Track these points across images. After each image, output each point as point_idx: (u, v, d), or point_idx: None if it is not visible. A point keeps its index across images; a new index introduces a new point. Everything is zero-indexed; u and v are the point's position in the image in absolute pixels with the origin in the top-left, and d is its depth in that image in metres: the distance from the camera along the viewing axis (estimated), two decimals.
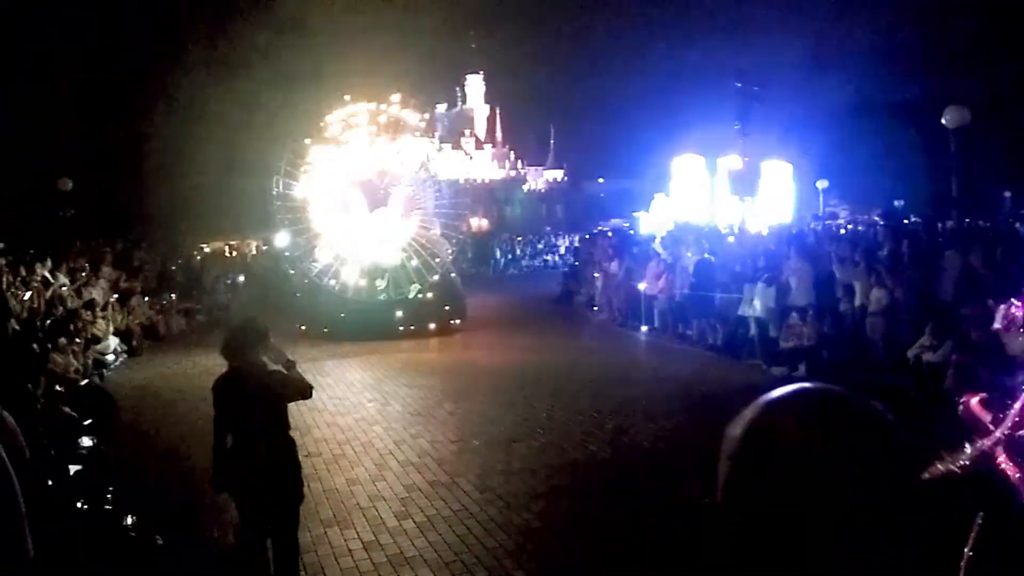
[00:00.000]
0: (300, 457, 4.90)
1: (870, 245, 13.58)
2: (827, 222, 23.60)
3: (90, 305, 13.52)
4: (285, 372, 4.79)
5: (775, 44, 26.43)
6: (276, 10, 24.06)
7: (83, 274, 14.91)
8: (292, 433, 4.85)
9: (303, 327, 16.17)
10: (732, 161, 29.92)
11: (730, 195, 31.16)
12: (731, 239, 17.43)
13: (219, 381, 4.70)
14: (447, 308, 16.64)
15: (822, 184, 29.34)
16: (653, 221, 30.23)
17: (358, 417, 9.91)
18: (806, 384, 1.16)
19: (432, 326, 16.23)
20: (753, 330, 12.82)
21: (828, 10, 27.01)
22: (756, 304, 12.48)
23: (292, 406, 4.79)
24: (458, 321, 16.75)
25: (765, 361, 12.05)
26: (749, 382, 10.77)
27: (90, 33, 21.12)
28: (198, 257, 20.78)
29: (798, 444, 1.06)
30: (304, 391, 4.78)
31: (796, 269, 12.40)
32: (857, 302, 11.64)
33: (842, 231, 21.31)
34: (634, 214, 30.66)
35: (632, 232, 28.49)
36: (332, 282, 16.25)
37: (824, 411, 1.09)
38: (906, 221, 20.91)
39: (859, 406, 1.10)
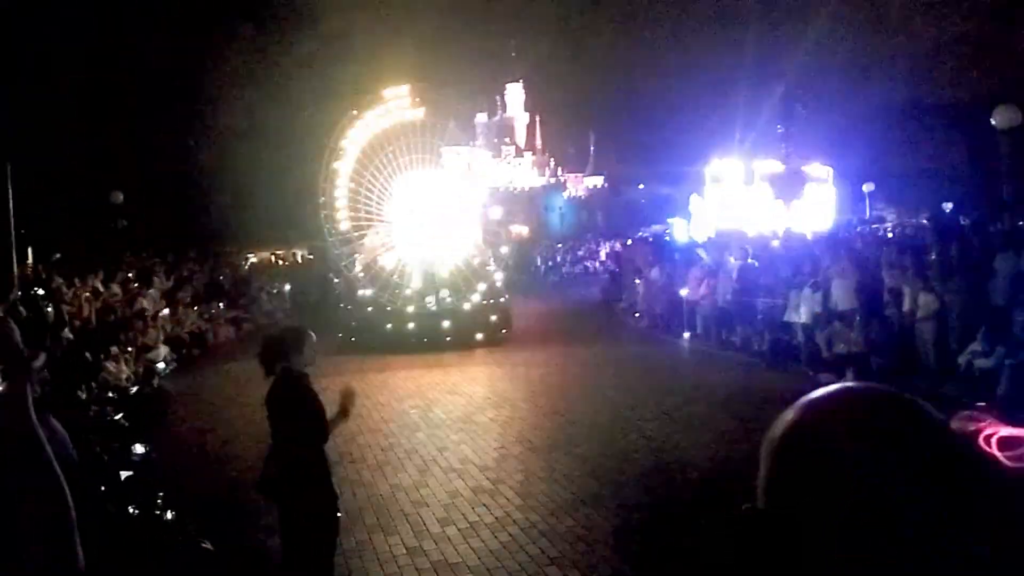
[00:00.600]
0: (337, 467, 4.84)
1: (918, 249, 13.31)
2: (873, 226, 23.15)
3: (141, 314, 13.85)
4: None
5: (819, 45, 26.01)
6: (319, 23, 24.38)
7: (134, 284, 15.29)
8: (336, 439, 4.88)
9: (350, 337, 16.14)
10: (771, 165, 29.62)
11: (772, 199, 30.84)
12: (775, 244, 17.21)
13: (268, 391, 4.76)
14: (494, 318, 16.46)
15: (868, 187, 28.82)
16: (689, 226, 30.11)
17: (401, 424, 9.99)
18: (850, 383, 1.11)
19: (479, 336, 16.01)
20: (799, 336, 12.64)
21: (873, 10, 26.54)
22: (802, 310, 12.29)
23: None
24: (504, 331, 16.56)
25: (811, 368, 11.85)
26: (795, 389, 10.45)
27: (142, 54, 21.63)
28: (245, 267, 21.18)
29: (842, 444, 1.02)
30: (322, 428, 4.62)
31: (842, 274, 12.20)
32: (906, 307, 11.41)
33: (889, 235, 20.90)
34: (669, 220, 30.48)
35: (672, 238, 28.34)
36: (378, 291, 16.14)
37: (870, 410, 1.05)
38: (957, 223, 20.44)
39: (907, 404, 1.05)
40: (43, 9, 19.81)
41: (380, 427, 9.81)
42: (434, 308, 16.03)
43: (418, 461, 8.26)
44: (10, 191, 8.37)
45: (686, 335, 15.95)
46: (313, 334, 4.89)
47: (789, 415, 1.08)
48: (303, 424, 4.57)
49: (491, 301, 16.51)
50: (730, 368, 12.96)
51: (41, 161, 17.04)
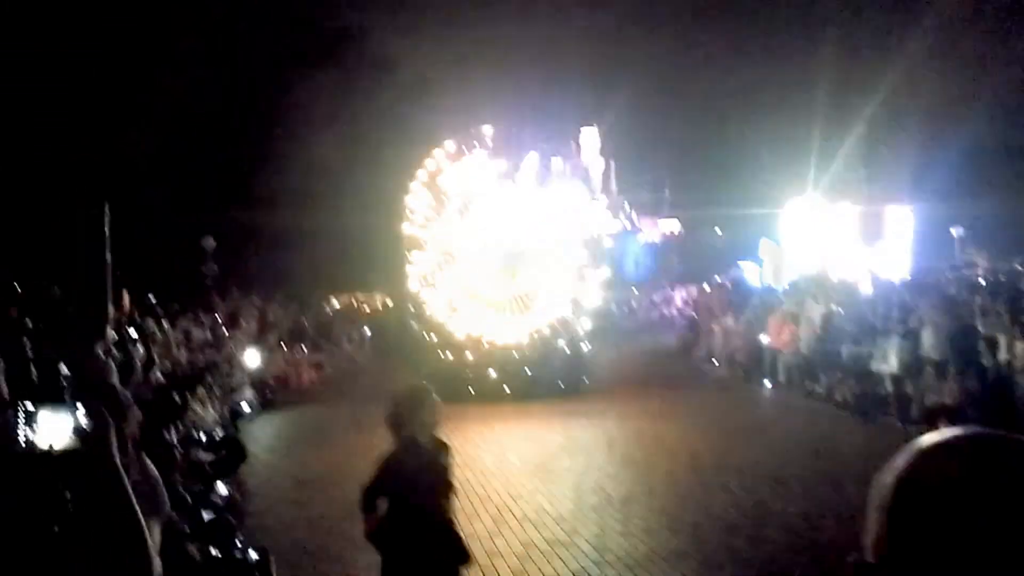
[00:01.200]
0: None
1: (1014, 295, 12.70)
2: (964, 271, 22.21)
3: (228, 358, 14.30)
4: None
5: (904, 84, 25.38)
6: (398, 70, 25.02)
7: (223, 327, 15.82)
8: None
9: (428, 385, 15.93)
10: (851, 207, 28.98)
11: (853, 242, 29.96)
12: (862, 288, 16.66)
13: (389, 458, 4.58)
14: (575, 366, 15.88)
15: (957, 231, 27.74)
16: (761, 270, 29.51)
17: (476, 470, 9.96)
18: (961, 429, 1.06)
19: (561, 385, 15.43)
20: (888, 387, 12.15)
21: (961, 47, 25.80)
22: (892, 359, 11.82)
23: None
24: (585, 379, 15.95)
25: (901, 420, 11.35)
26: (884, 442, 10.17)
27: (228, 101, 22.59)
28: (328, 311, 21.69)
29: (961, 491, 0.97)
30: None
31: (934, 321, 11.72)
32: (1002, 357, 10.86)
33: (981, 280, 20.01)
34: (740, 263, 29.86)
35: (751, 283, 27.76)
36: (458, 338, 15.57)
37: (988, 454, 1.00)
38: None
39: None
40: (143, 54, 20.91)
41: (455, 472, 9.79)
42: (516, 356, 15.47)
43: (492, 509, 8.21)
44: (107, 232, 8.79)
45: (767, 383, 15.52)
46: (436, 397, 4.80)
47: (900, 461, 1.04)
48: (423, 496, 4.51)
49: (573, 349, 16.00)
50: (814, 419, 12.54)
51: (138, 204, 17.91)
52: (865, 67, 27.23)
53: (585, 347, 16.28)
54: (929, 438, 1.06)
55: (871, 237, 29.54)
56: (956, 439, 1.04)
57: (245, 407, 13.69)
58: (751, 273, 29.26)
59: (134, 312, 14.77)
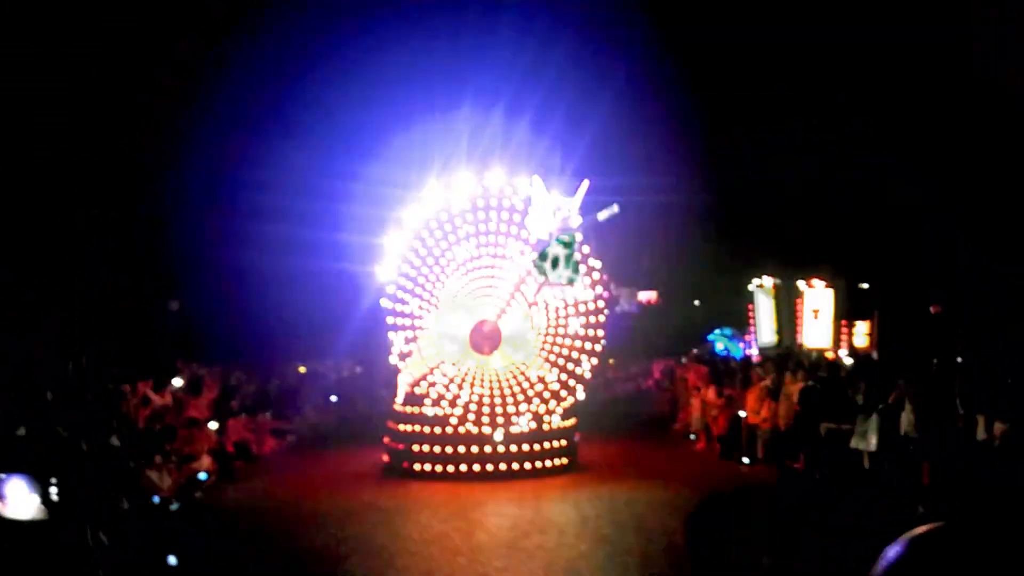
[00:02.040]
0: None
1: (990, 375, 12.60)
2: (942, 347, 22.23)
3: (188, 423, 13.76)
4: None
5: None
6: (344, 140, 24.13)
7: (183, 392, 15.30)
8: (373, 560, 4.52)
9: (399, 461, 14.32)
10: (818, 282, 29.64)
11: (828, 317, 30.16)
12: (843, 362, 16.50)
13: None
14: (559, 444, 14.52)
15: (935, 308, 27.95)
16: (729, 343, 29.62)
17: (442, 547, 9.50)
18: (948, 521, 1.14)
19: (549, 464, 14.14)
20: (867, 464, 11.88)
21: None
22: (871, 437, 11.58)
23: (368, 530, 4.46)
24: (567, 461, 14.63)
25: (882, 498, 11.05)
26: (864, 519, 9.86)
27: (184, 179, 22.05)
28: (294, 377, 21.18)
29: None
30: None
31: (912, 399, 11.54)
32: (980, 436, 10.68)
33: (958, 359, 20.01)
34: (708, 337, 29.82)
35: (730, 356, 27.64)
36: (431, 408, 14.12)
37: (975, 547, 1.06)
38: None
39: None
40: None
41: (420, 549, 9.33)
42: (499, 437, 13.98)
43: None
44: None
45: (746, 460, 15.19)
46: None
47: (890, 553, 1.11)
48: None
49: (560, 426, 14.66)
50: (793, 496, 12.22)
51: (100, 268, 17.57)
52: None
53: (570, 423, 14.98)
54: (918, 530, 1.13)
55: (846, 312, 29.80)
56: (943, 532, 1.10)
57: (203, 475, 13.11)
58: (720, 346, 29.28)
59: (95, 375, 14.31)
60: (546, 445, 14.32)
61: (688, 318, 31.49)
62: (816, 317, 29.55)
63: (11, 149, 17.90)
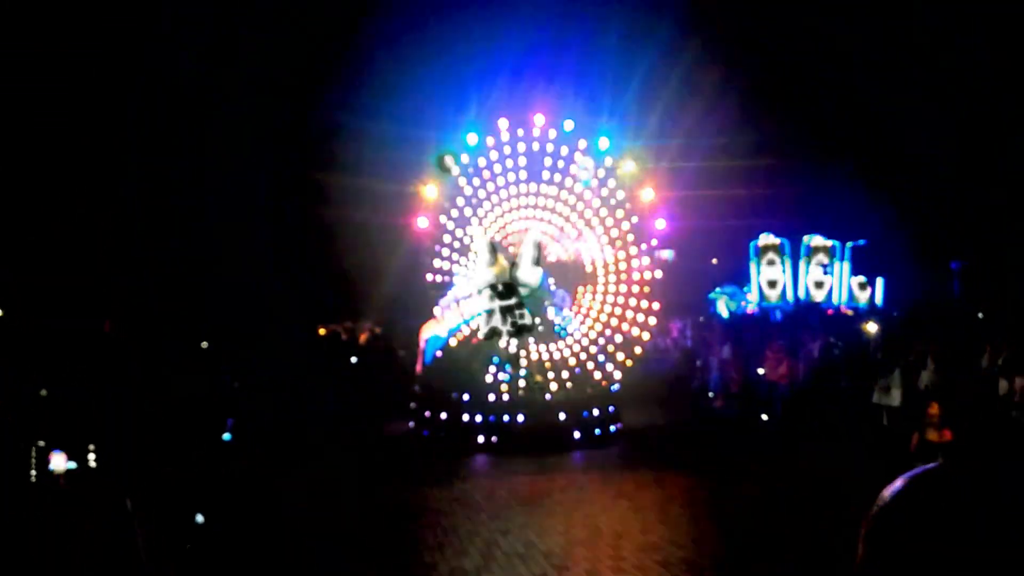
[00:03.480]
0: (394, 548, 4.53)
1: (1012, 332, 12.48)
2: (965, 305, 22.08)
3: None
4: None
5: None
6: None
7: None
8: (396, 517, 4.60)
9: (423, 430, 13.60)
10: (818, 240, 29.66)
11: (850, 275, 30.10)
12: (869, 325, 16.39)
13: None
14: (597, 412, 13.50)
15: (957, 265, 27.69)
16: (730, 301, 29.63)
17: (464, 503, 9.65)
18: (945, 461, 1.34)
19: (598, 432, 13.26)
20: (885, 420, 11.87)
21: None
22: (893, 393, 11.53)
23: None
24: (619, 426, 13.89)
25: (901, 454, 11.05)
26: (886, 475, 9.89)
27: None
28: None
29: (919, 521, 1.16)
30: None
31: (934, 356, 11.47)
32: (1001, 391, 10.62)
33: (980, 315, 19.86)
34: (710, 295, 29.70)
35: (750, 312, 27.58)
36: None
37: (968, 486, 1.21)
38: None
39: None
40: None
41: (442, 507, 9.48)
42: (550, 396, 13.00)
43: (480, 544, 7.89)
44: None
45: (764, 417, 15.23)
46: None
47: (883, 496, 1.23)
48: None
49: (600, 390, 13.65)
50: (812, 451, 12.27)
51: None
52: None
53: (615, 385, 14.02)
54: (913, 471, 1.29)
55: (866, 270, 29.68)
56: (919, 476, 1.25)
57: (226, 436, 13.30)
58: (721, 305, 29.29)
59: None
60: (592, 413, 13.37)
61: (705, 275, 31.32)
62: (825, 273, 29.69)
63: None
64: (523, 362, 13.28)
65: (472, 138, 13.96)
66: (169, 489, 9.34)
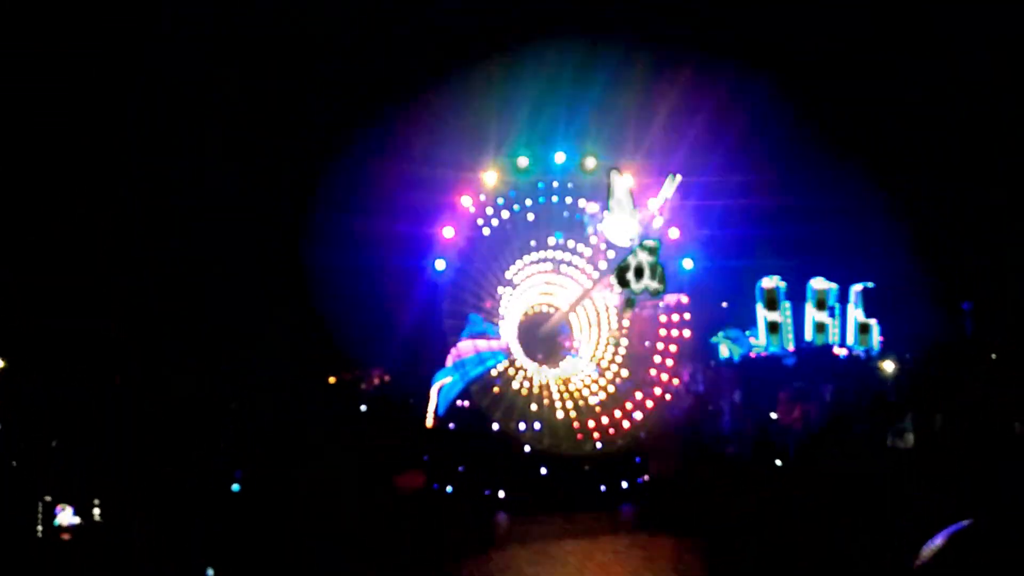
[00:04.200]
0: None
1: None
2: (977, 346, 21.89)
3: None
4: None
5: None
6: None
7: None
8: None
9: (436, 484, 12.81)
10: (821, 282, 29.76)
11: (863, 317, 29.99)
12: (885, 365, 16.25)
13: None
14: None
15: (968, 306, 27.54)
16: (733, 346, 29.50)
17: None
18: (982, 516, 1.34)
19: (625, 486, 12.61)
20: (903, 463, 11.72)
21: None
22: (907, 436, 11.43)
23: None
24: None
25: (919, 496, 10.89)
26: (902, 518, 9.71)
27: None
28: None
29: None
30: None
31: (947, 399, 11.39)
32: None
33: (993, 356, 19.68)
34: (711, 339, 29.46)
35: (761, 356, 27.39)
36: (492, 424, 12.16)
37: (1009, 541, 1.22)
38: None
39: None
40: None
41: None
42: (582, 447, 12.29)
43: None
44: None
45: (778, 462, 15.03)
46: None
47: (931, 545, 1.27)
48: None
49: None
50: (831, 495, 12.06)
51: None
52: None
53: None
54: (954, 527, 1.32)
55: (876, 312, 29.60)
56: (957, 533, 1.28)
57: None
58: (723, 349, 29.10)
59: None
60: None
61: (715, 318, 31.17)
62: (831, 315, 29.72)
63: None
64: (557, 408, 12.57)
65: (522, 161, 13.14)
66: (170, 490, 9.35)
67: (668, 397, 13.42)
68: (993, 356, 20.00)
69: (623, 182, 11.68)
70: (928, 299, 26.80)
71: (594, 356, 13.59)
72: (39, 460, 10.70)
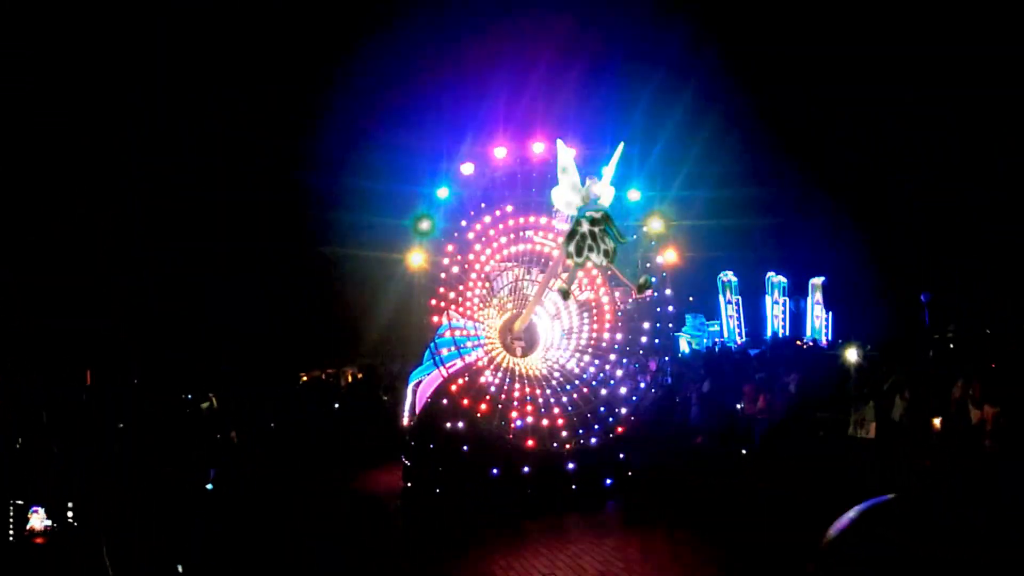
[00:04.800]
0: None
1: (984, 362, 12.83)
2: (935, 336, 22.54)
3: None
4: None
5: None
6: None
7: None
8: None
9: (413, 484, 12.50)
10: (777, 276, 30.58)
11: (822, 309, 30.76)
12: (849, 353, 16.58)
13: None
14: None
15: (926, 297, 28.28)
16: (692, 339, 30.13)
17: None
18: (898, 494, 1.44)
19: (609, 482, 12.24)
20: (863, 452, 12.09)
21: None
22: (868, 425, 11.78)
23: None
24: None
25: (879, 484, 11.26)
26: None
27: None
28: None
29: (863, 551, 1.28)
30: None
31: (907, 387, 11.77)
32: (972, 421, 10.90)
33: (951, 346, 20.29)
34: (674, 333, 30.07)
35: (726, 348, 27.90)
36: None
37: (918, 519, 1.30)
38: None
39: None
40: None
41: None
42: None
43: None
44: None
45: (743, 452, 15.40)
46: None
47: (843, 520, 1.35)
48: None
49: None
50: (791, 485, 12.40)
51: None
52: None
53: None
54: (866, 503, 1.42)
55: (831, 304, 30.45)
56: (881, 506, 1.39)
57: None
58: (684, 341, 29.71)
59: None
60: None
61: (683, 312, 31.66)
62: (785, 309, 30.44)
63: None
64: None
65: (443, 192, 12.92)
66: (169, 489, 9.33)
67: (652, 390, 13.22)
68: (951, 346, 20.61)
69: (567, 152, 11.31)
70: (887, 291, 27.53)
71: (575, 347, 13.32)
72: (6, 459, 10.58)
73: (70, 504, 9.17)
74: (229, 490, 11.27)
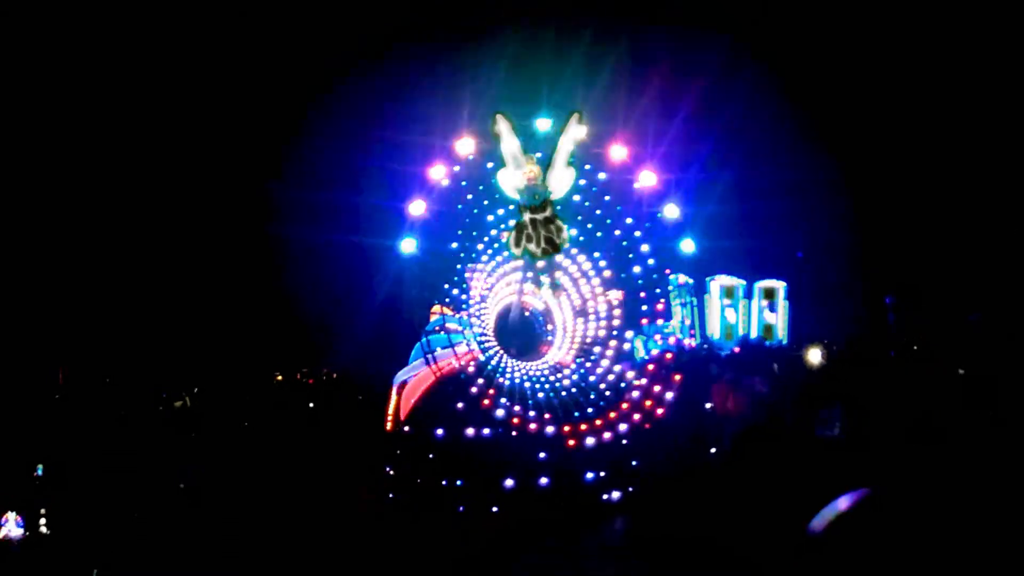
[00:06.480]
0: None
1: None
2: (901, 337, 22.93)
3: None
4: None
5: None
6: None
7: None
8: None
9: (395, 496, 11.69)
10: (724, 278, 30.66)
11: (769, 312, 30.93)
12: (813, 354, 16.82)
13: None
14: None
15: (891, 300, 28.72)
16: (648, 341, 30.07)
17: None
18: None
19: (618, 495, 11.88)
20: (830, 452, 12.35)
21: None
22: (835, 426, 12.04)
23: None
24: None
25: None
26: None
27: None
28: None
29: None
30: None
31: (873, 389, 12.04)
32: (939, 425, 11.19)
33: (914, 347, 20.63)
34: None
35: (696, 348, 28.08)
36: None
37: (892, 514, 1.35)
38: None
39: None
40: None
41: None
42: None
43: None
44: None
45: (712, 451, 15.61)
46: None
47: (816, 522, 1.37)
48: None
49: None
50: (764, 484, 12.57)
51: None
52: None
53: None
54: (841, 499, 1.40)
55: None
56: (857, 501, 1.42)
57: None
58: (640, 344, 29.54)
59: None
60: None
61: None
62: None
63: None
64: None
65: (543, 123, 11.49)
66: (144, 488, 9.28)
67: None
68: (915, 348, 20.99)
69: (509, 130, 10.65)
70: (851, 293, 27.87)
71: (573, 347, 12.87)
72: None
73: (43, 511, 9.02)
74: (204, 490, 11.19)
